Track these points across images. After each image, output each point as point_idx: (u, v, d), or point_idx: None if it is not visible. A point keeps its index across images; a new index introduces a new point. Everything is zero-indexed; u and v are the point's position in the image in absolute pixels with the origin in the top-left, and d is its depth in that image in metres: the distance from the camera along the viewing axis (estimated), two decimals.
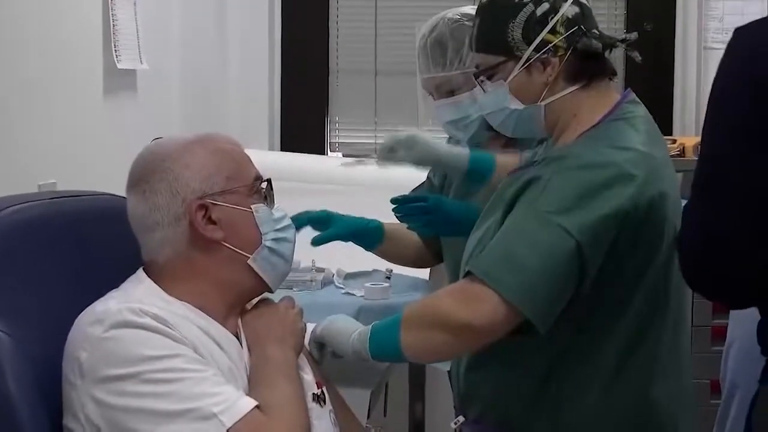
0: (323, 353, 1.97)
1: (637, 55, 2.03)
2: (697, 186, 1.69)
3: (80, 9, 2.89)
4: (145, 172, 1.76)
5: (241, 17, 4.24)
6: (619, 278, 1.86)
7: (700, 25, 4.07)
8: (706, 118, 1.71)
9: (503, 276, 1.80)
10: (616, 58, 3.94)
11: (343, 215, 2.47)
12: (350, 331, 1.93)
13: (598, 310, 1.87)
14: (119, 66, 3.06)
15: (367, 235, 2.49)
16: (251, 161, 1.85)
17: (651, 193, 1.83)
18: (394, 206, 2.33)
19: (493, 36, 1.94)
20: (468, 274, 1.85)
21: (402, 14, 4.37)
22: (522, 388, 1.93)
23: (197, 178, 1.75)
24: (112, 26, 3.01)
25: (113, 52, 3.02)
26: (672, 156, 3.75)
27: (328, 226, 2.41)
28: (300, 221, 2.30)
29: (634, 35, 2.04)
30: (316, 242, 2.40)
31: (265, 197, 1.84)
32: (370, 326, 1.92)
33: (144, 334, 1.61)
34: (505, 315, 1.80)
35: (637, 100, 1.99)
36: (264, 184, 1.84)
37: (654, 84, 4.16)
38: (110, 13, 3.01)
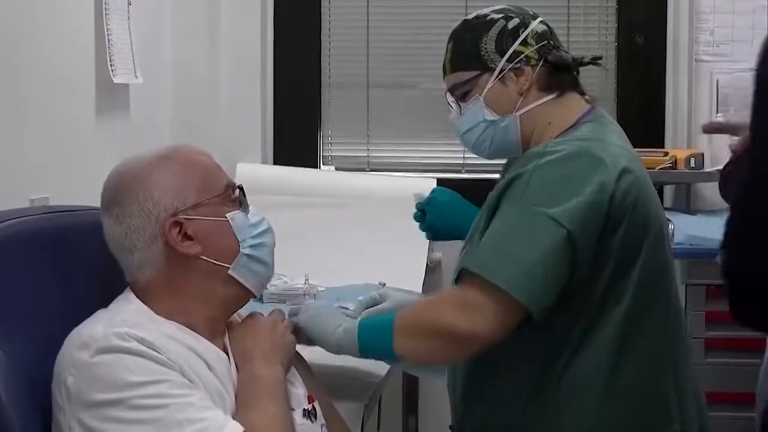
0: (300, 337, 1.94)
1: (606, 68, 2.14)
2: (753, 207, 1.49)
3: (73, 23, 2.88)
4: (116, 195, 1.76)
5: (234, 31, 4.23)
6: (608, 270, 1.89)
7: (691, 39, 4.08)
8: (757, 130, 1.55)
9: (498, 268, 1.82)
10: (608, 71, 3.99)
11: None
12: (335, 324, 1.92)
13: (590, 303, 1.90)
14: (115, 80, 3.04)
15: None
16: (221, 169, 1.84)
17: (631, 180, 1.89)
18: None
19: (467, 52, 2.03)
20: (460, 278, 1.87)
21: (394, 28, 4.36)
22: (521, 393, 1.95)
23: (168, 195, 1.74)
24: (107, 40, 3.00)
25: (108, 66, 3.01)
26: (663, 168, 3.82)
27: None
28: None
29: (600, 56, 2.15)
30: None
31: (240, 203, 1.82)
32: (357, 323, 1.92)
33: (130, 359, 1.61)
34: (504, 316, 1.82)
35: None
36: (237, 191, 1.82)
37: (645, 97, 4.17)
38: (104, 27, 2.99)
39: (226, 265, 1.77)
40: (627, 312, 1.90)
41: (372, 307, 2.05)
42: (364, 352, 1.91)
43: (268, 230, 1.85)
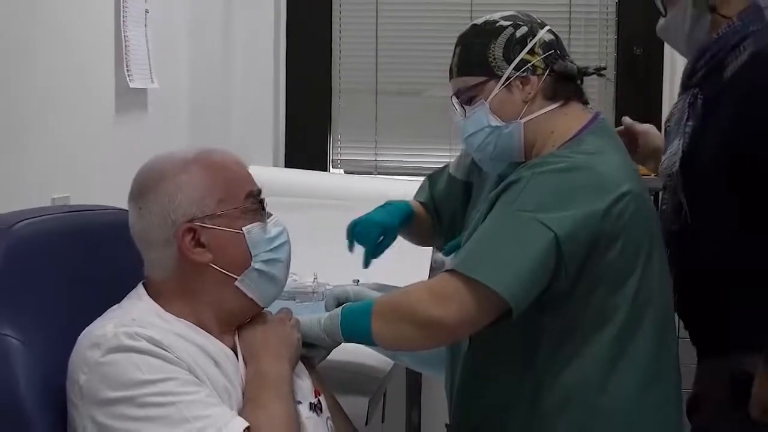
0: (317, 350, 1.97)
1: (609, 78, 2.12)
2: None
3: (93, 29, 2.94)
4: (143, 190, 1.77)
5: (247, 39, 4.29)
6: (604, 284, 1.91)
7: None
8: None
9: (479, 264, 1.85)
10: (607, 82, 4.01)
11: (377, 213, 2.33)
12: (318, 317, 1.94)
13: (585, 316, 1.92)
14: (132, 85, 3.10)
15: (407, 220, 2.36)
16: (249, 176, 1.84)
17: (629, 199, 1.89)
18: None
19: (475, 58, 2.02)
20: (446, 271, 1.89)
21: (402, 37, 4.43)
22: (515, 399, 1.97)
23: (189, 201, 1.75)
24: (124, 46, 3.06)
25: (125, 71, 3.06)
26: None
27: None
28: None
29: (604, 66, 2.14)
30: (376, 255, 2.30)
31: (261, 212, 1.82)
32: (340, 309, 1.94)
33: (139, 358, 1.62)
34: (478, 309, 1.84)
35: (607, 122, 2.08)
36: (257, 203, 1.82)
37: (643, 108, 4.18)
38: (122, 34, 3.05)
39: (234, 275, 1.78)
40: (621, 326, 1.92)
41: (344, 301, 2.04)
42: (347, 336, 1.92)
43: (285, 244, 1.84)
